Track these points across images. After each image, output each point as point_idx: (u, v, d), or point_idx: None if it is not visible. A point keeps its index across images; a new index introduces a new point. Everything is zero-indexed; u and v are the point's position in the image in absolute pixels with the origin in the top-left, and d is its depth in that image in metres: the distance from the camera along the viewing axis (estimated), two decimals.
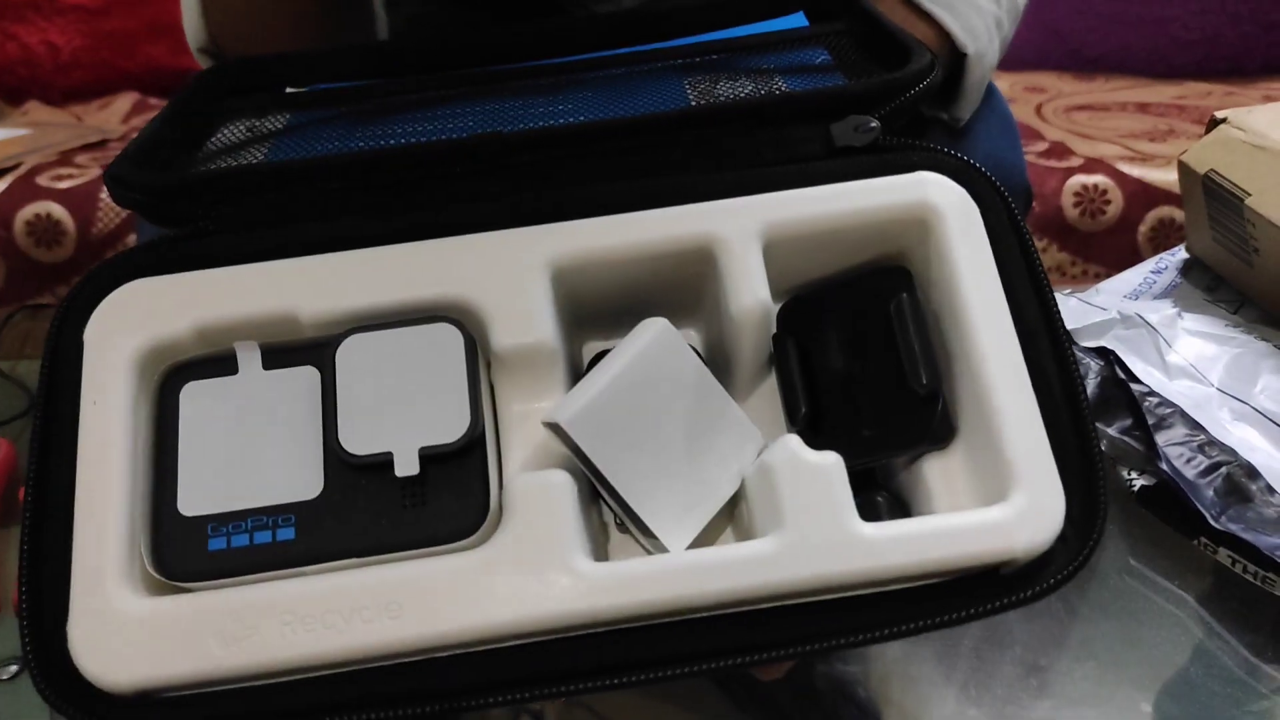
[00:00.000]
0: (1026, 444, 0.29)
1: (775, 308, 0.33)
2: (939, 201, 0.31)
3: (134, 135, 1.23)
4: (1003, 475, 0.28)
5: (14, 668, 0.40)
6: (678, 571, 0.27)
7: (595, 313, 0.33)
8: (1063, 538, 0.28)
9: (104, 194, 1.12)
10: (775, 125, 0.33)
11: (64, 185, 1.13)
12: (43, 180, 1.14)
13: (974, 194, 0.32)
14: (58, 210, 1.11)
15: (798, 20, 0.43)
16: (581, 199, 0.32)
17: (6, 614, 0.44)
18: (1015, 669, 0.39)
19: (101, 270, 0.31)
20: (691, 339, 0.34)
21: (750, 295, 0.31)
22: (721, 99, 0.36)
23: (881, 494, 0.32)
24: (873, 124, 0.33)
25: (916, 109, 0.34)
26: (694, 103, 0.36)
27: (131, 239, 1.10)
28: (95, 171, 1.16)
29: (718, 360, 0.34)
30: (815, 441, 0.30)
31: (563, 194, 0.32)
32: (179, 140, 0.37)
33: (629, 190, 0.32)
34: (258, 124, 0.39)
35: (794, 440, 0.29)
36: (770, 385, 0.33)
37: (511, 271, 0.31)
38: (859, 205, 0.32)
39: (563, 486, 0.28)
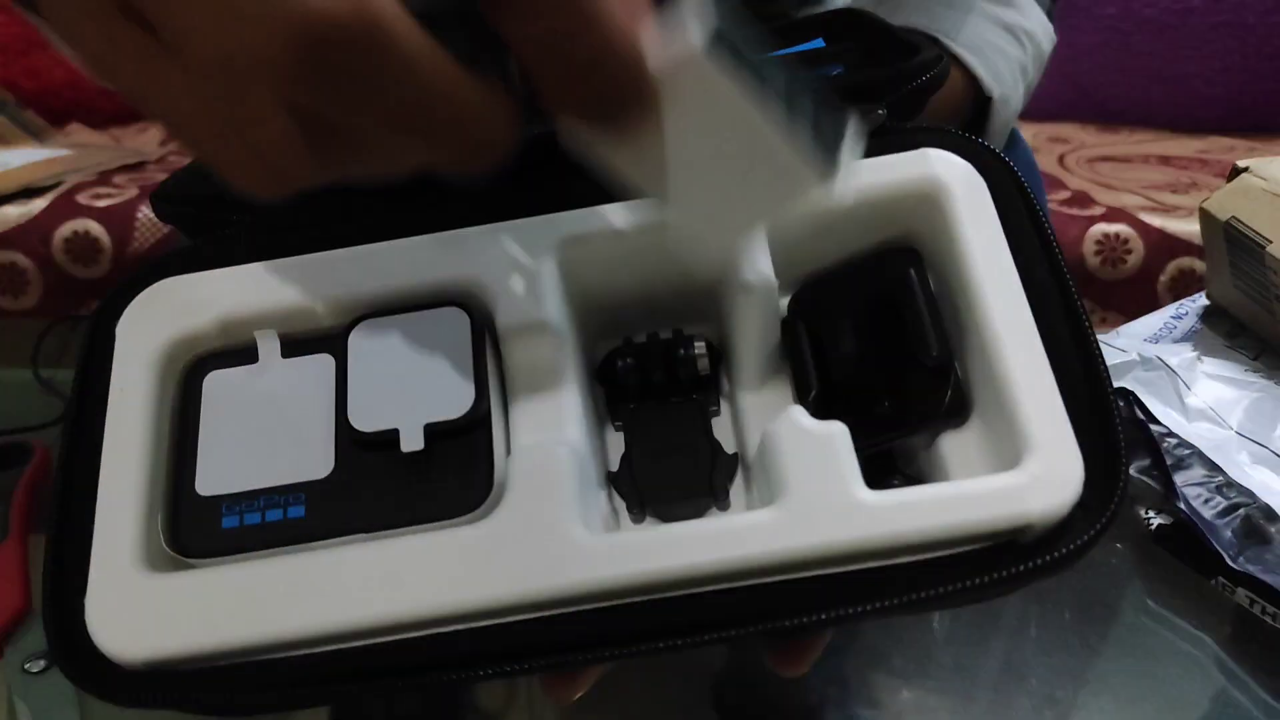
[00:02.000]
0: (1041, 410, 0.28)
1: (781, 288, 0.32)
2: (944, 175, 0.31)
3: (170, 157, 1.24)
4: (1017, 442, 0.28)
5: (43, 662, 0.41)
6: (679, 541, 0.27)
7: (608, 307, 0.33)
8: (1082, 504, 0.27)
9: (140, 213, 1.15)
10: None
11: (102, 204, 1.16)
12: (82, 198, 1.17)
13: (981, 168, 0.31)
14: (95, 228, 1.13)
15: (817, 45, 0.44)
16: (590, 190, 0.32)
17: (38, 612, 0.45)
18: (1031, 701, 0.39)
19: (138, 271, 0.32)
20: (707, 334, 0.34)
21: (754, 274, 0.31)
22: None
23: (898, 477, 0.31)
24: (879, 110, 0.33)
25: (929, 96, 0.34)
26: None
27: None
28: (133, 191, 1.19)
29: (729, 349, 0.34)
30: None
31: (570, 184, 0.32)
32: None
33: None
34: None
35: (797, 410, 0.29)
36: (783, 376, 0.33)
37: (518, 255, 0.31)
38: (863, 182, 0.31)
39: (564, 459, 0.28)
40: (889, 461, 0.32)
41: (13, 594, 0.46)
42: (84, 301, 1.14)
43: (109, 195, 1.18)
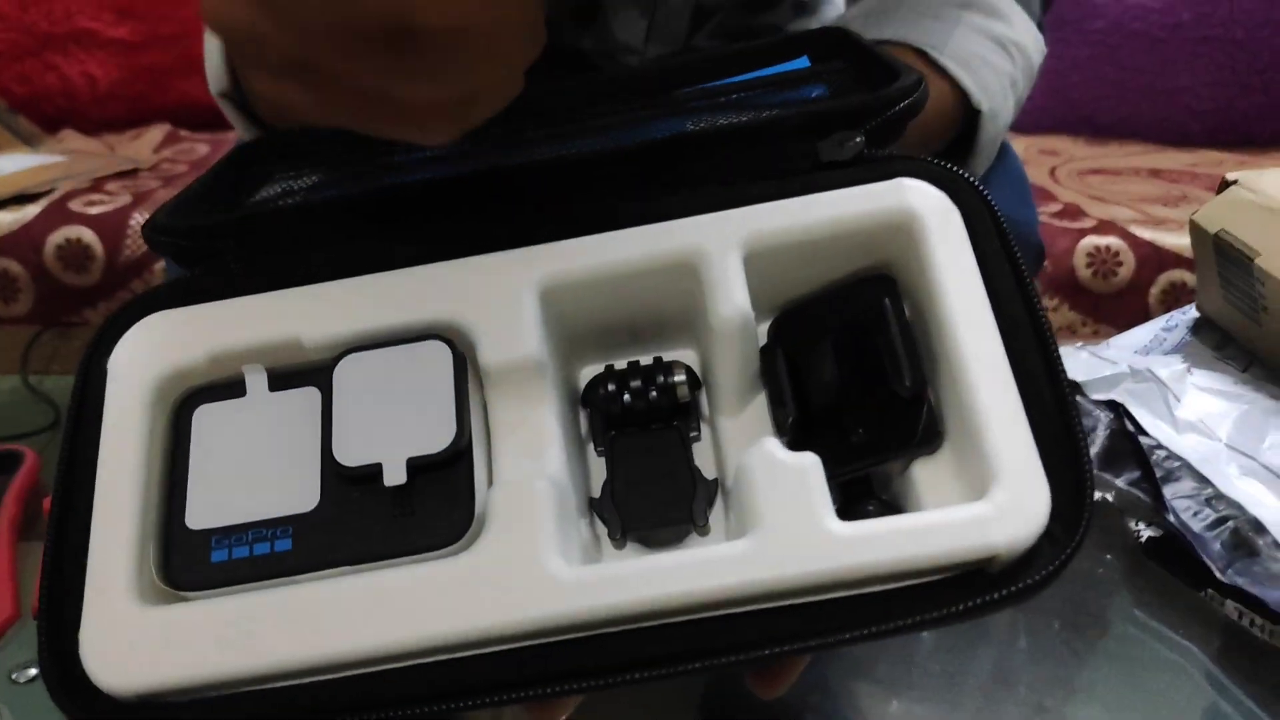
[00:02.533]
0: (1009, 441, 0.28)
1: (759, 318, 0.33)
2: (919, 206, 0.32)
3: (164, 165, 1.25)
4: (986, 472, 0.28)
5: (33, 671, 0.41)
6: (654, 573, 0.27)
7: (589, 333, 0.34)
8: (1049, 534, 0.27)
9: (133, 220, 1.15)
10: (764, 144, 0.34)
11: (95, 211, 1.16)
12: (75, 205, 1.17)
13: (954, 197, 0.32)
14: (88, 235, 1.13)
15: (802, 64, 0.44)
16: (570, 221, 0.33)
17: (29, 621, 0.44)
18: (1020, 710, 0.40)
19: (129, 305, 0.33)
20: (688, 359, 0.35)
21: (730, 305, 0.31)
22: (709, 126, 0.37)
23: (873, 502, 0.32)
24: (857, 138, 0.33)
25: (907, 122, 0.35)
26: (690, 129, 0.37)
27: (158, 267, 1.13)
28: (126, 199, 1.19)
29: (709, 376, 0.34)
30: (805, 449, 0.30)
31: (551, 216, 0.33)
32: (215, 198, 0.39)
33: (617, 211, 0.33)
34: (293, 183, 0.41)
35: (770, 441, 0.29)
36: (761, 401, 0.33)
37: (499, 290, 0.32)
38: (838, 213, 0.32)
39: (543, 493, 0.29)
40: (865, 486, 0.32)
41: (1, 602, 0.45)
42: (75, 309, 1.13)
43: (102, 202, 1.18)
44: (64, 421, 0.32)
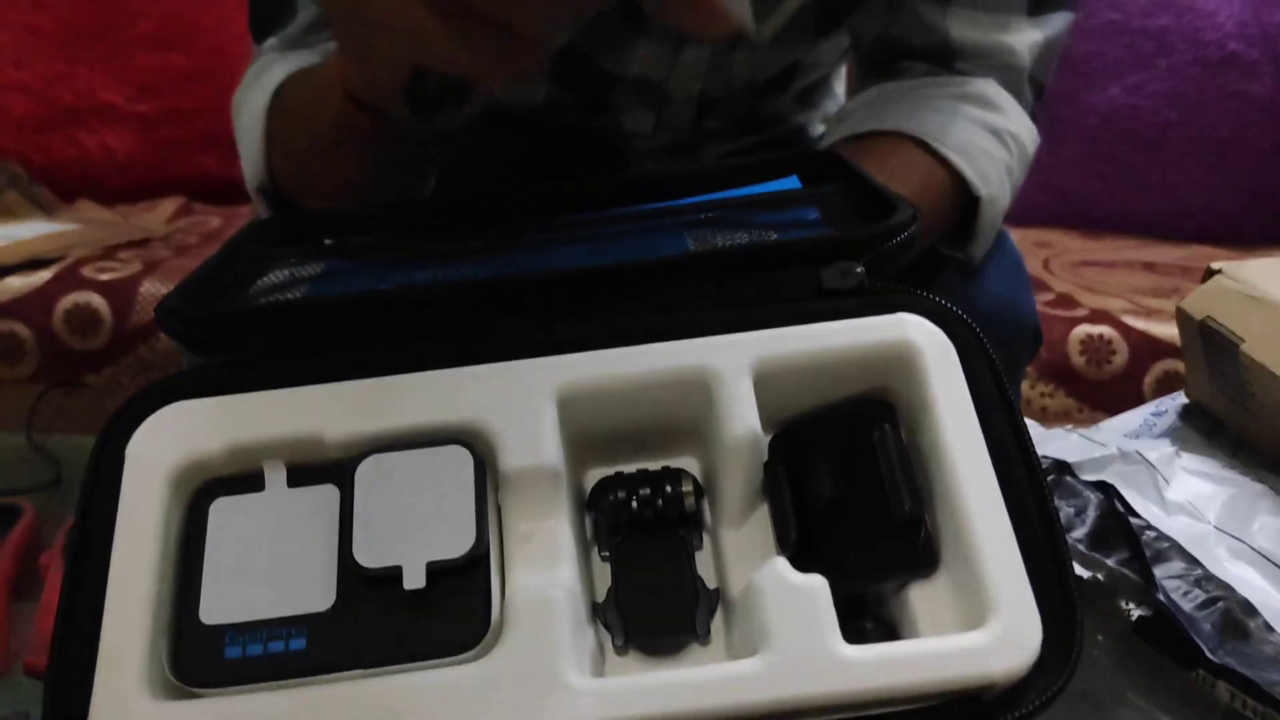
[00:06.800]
0: (1003, 572, 0.30)
1: (767, 437, 0.34)
2: (916, 340, 0.34)
3: (176, 235, 1.27)
4: (981, 602, 0.30)
5: None
6: (668, 688, 0.28)
7: (599, 439, 0.35)
8: (1040, 663, 0.29)
9: (143, 288, 1.16)
10: (769, 269, 0.36)
11: (105, 277, 1.18)
12: (86, 271, 1.19)
13: (950, 333, 0.34)
14: (97, 300, 1.15)
15: (792, 182, 0.46)
16: (588, 333, 0.34)
17: (18, 673, 0.44)
18: None
19: (148, 391, 0.33)
20: (690, 466, 0.36)
21: (742, 425, 0.33)
22: (719, 246, 0.39)
23: (870, 621, 0.32)
24: (857, 269, 0.35)
25: (904, 255, 0.37)
26: (694, 249, 0.39)
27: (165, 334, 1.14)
28: (136, 266, 1.21)
29: (712, 486, 0.35)
30: (805, 566, 0.31)
31: (570, 328, 0.34)
32: (228, 281, 0.40)
33: (632, 326, 0.34)
34: (299, 268, 0.42)
35: (780, 562, 0.31)
36: (763, 512, 0.34)
37: (520, 399, 0.33)
38: (843, 343, 0.34)
39: (559, 601, 0.29)
40: (862, 603, 0.33)
41: None
42: (80, 372, 1.14)
43: (113, 269, 1.20)
44: (78, 503, 0.31)
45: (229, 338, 0.35)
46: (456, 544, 0.30)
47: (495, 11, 0.32)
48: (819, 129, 0.84)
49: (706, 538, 0.35)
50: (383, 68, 0.39)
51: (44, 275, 1.18)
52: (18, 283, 1.17)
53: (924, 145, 0.58)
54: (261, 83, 0.55)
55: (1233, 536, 0.48)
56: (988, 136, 0.60)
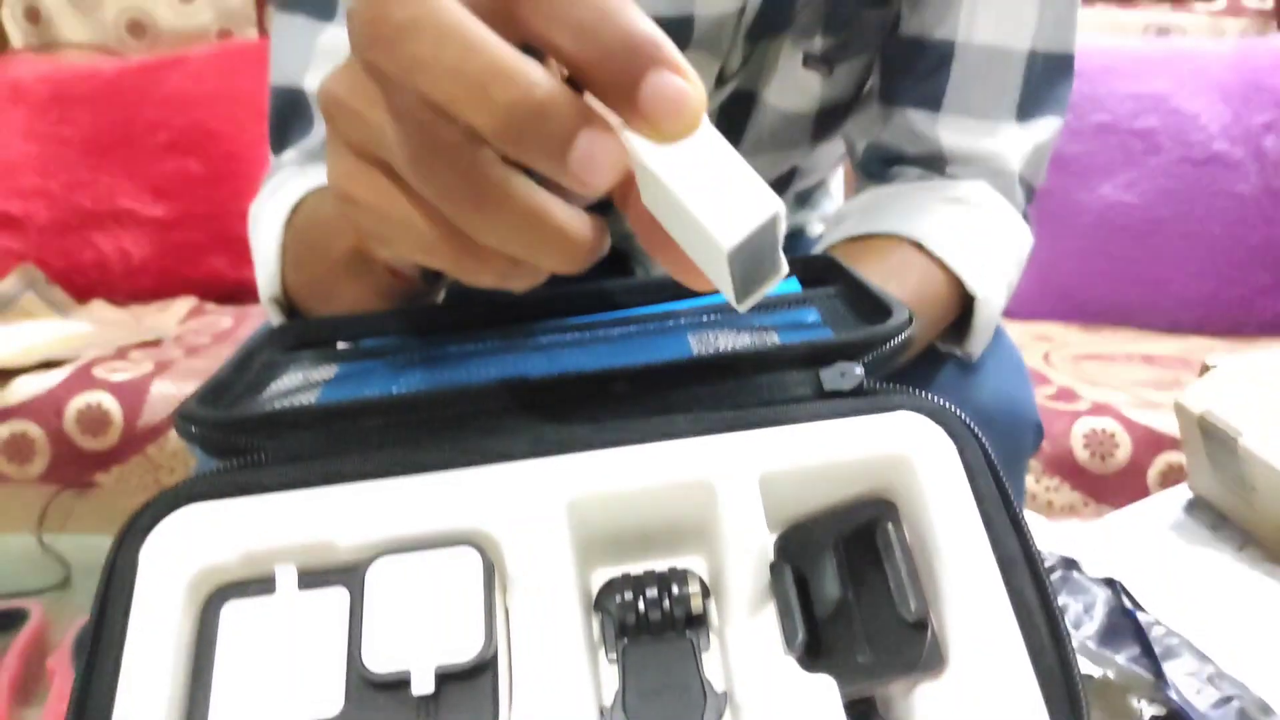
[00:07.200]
0: (1009, 673, 0.30)
1: (772, 538, 0.35)
2: (917, 441, 0.34)
3: (188, 335, 1.28)
4: (989, 706, 0.30)
5: None
6: None
7: (607, 539, 0.35)
8: None
9: (153, 388, 1.18)
10: (770, 371, 0.37)
11: (116, 378, 1.19)
12: (98, 372, 1.20)
13: (950, 432, 0.34)
14: (108, 400, 1.16)
15: (792, 285, 0.48)
16: (595, 435, 0.35)
17: None
18: None
19: (163, 495, 0.34)
20: (697, 564, 0.36)
21: (748, 528, 0.33)
22: (722, 349, 0.41)
23: None
24: (857, 370, 0.36)
25: (901, 356, 0.38)
26: (697, 352, 0.41)
27: (173, 434, 1.15)
28: (148, 366, 1.23)
29: (719, 587, 0.35)
30: (812, 666, 0.31)
31: (577, 430, 0.35)
32: (243, 386, 0.42)
33: (638, 428, 0.35)
34: (313, 371, 0.44)
35: (789, 664, 0.31)
36: (770, 611, 0.34)
37: (529, 501, 0.33)
38: (844, 445, 0.35)
39: (567, 709, 0.30)
40: (870, 706, 0.33)
41: None
42: (89, 471, 1.15)
43: (124, 369, 1.22)
44: (93, 608, 0.32)
45: (243, 441, 0.36)
46: (465, 648, 0.30)
47: (507, 252, 0.32)
48: (817, 229, 0.86)
49: (714, 638, 0.35)
50: (389, 253, 0.40)
51: (57, 376, 1.20)
52: (31, 384, 1.19)
53: (919, 247, 0.60)
54: (279, 199, 0.56)
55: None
56: (980, 237, 0.62)
